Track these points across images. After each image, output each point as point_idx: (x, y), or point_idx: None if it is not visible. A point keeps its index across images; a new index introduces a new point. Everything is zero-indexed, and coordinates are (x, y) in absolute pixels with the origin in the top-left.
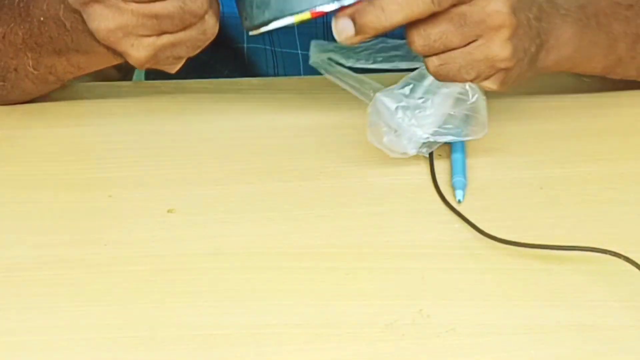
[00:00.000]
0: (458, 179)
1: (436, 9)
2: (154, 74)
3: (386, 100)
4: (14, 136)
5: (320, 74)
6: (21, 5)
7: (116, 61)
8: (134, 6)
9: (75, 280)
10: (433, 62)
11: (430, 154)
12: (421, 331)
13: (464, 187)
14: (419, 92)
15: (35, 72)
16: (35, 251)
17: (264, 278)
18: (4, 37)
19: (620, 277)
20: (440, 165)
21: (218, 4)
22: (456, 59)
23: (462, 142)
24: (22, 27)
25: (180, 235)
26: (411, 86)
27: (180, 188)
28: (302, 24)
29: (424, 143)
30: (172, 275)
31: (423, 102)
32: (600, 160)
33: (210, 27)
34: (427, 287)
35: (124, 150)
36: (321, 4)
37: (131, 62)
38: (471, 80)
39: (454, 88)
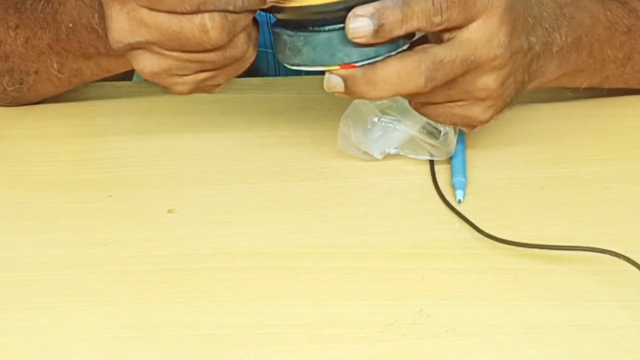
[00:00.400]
0: (458, 179)
1: (427, 91)
2: None
3: (362, 109)
4: (14, 136)
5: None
6: (47, 10)
7: None
8: (177, 53)
9: (75, 280)
10: (416, 102)
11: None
12: (421, 331)
13: (464, 187)
14: (394, 109)
15: (60, 75)
16: (36, 251)
17: (264, 278)
18: (26, 42)
19: (620, 277)
20: (441, 165)
21: (257, 32)
22: (437, 108)
23: (463, 142)
24: (48, 32)
25: (180, 235)
26: (387, 103)
27: (180, 188)
28: None
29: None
30: (172, 275)
31: (395, 120)
32: (600, 160)
33: (249, 59)
34: (427, 287)
35: (124, 150)
36: (350, 61)
37: (174, 93)
38: (446, 125)
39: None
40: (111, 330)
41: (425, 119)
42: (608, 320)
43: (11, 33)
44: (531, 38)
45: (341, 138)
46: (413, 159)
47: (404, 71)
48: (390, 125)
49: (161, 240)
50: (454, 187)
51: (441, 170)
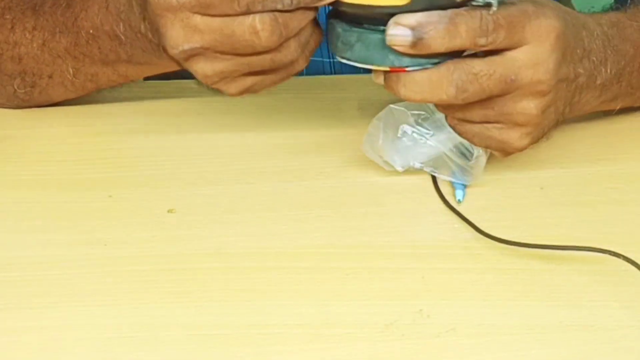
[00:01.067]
0: None
1: (458, 102)
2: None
3: (397, 115)
4: (14, 136)
5: (320, 73)
6: (67, 15)
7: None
8: (230, 57)
9: (75, 280)
10: (452, 117)
11: None
12: (421, 331)
13: (463, 187)
14: (429, 123)
15: (75, 80)
16: (35, 251)
17: (264, 278)
18: (43, 44)
19: (620, 277)
20: None
21: (315, 42)
22: (474, 127)
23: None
24: (66, 36)
25: (181, 235)
26: (424, 114)
27: (180, 188)
28: None
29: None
30: (172, 275)
31: (427, 134)
32: (600, 160)
33: (299, 67)
34: (427, 287)
35: (124, 150)
36: (400, 65)
37: (225, 95)
38: (480, 147)
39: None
40: (111, 330)
41: (459, 139)
42: (608, 320)
43: (27, 35)
44: (578, 69)
45: (367, 139)
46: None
47: (435, 76)
48: (422, 138)
49: (161, 240)
50: (454, 187)
51: None
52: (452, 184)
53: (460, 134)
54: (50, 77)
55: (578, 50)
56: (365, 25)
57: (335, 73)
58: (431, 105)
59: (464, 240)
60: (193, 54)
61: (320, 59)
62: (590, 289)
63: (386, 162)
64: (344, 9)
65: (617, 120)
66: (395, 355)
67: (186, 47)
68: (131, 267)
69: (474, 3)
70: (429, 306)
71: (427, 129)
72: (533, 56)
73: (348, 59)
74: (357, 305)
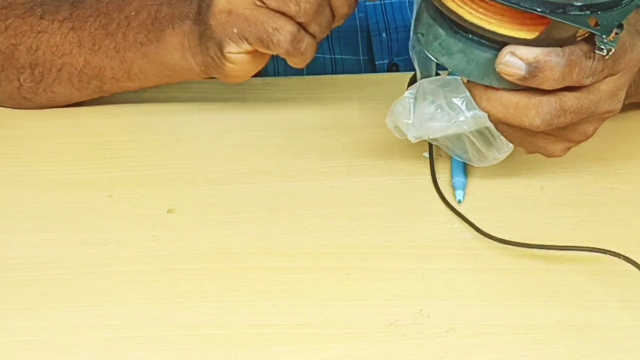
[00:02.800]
0: (458, 179)
1: (538, 132)
2: None
3: (428, 87)
4: (14, 136)
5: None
6: (114, 4)
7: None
8: None
9: (75, 280)
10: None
11: (431, 154)
12: (421, 331)
13: (464, 187)
14: (459, 101)
15: (82, 74)
16: (35, 251)
17: (264, 278)
18: (71, 30)
19: (620, 277)
20: (440, 165)
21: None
22: (519, 132)
23: None
24: (99, 20)
25: (180, 235)
26: (454, 92)
27: (180, 188)
28: None
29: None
30: (172, 275)
31: (456, 112)
32: (601, 160)
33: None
34: (427, 287)
35: (124, 150)
36: (499, 86)
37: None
38: (516, 145)
39: (488, 123)
40: (111, 330)
41: (486, 123)
42: (608, 320)
43: (56, 24)
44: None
45: (393, 108)
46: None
47: (523, 103)
48: (448, 114)
49: (161, 240)
50: (454, 187)
51: (441, 170)
52: (452, 184)
53: (501, 132)
54: (59, 70)
55: None
56: (471, 37)
57: (335, 69)
58: (462, 86)
59: (464, 240)
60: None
61: (322, 55)
62: (590, 289)
63: (401, 131)
64: (456, 20)
65: (618, 120)
66: (395, 355)
67: None
68: (131, 267)
69: (596, 52)
70: (429, 306)
71: (457, 106)
72: (614, 87)
73: (443, 64)
74: (357, 305)
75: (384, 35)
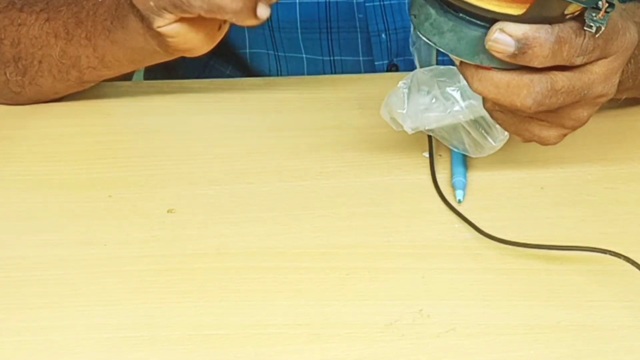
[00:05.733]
0: (458, 179)
1: (530, 112)
2: (153, 74)
3: (423, 77)
4: (14, 136)
5: (320, 73)
6: None
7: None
8: None
9: (75, 280)
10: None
11: (431, 154)
12: (421, 331)
13: (464, 187)
14: (457, 89)
15: (60, 64)
16: (35, 251)
17: (264, 278)
18: (46, 21)
19: (620, 277)
20: (441, 165)
21: None
22: (515, 118)
23: None
24: (71, 8)
25: (181, 235)
26: (449, 82)
27: (180, 188)
28: None
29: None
30: (172, 275)
31: (450, 102)
32: (601, 160)
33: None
34: (427, 287)
35: (124, 150)
36: (490, 65)
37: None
38: (512, 134)
39: (483, 112)
40: (111, 330)
41: (481, 112)
42: (608, 320)
43: (34, 16)
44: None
45: (388, 99)
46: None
47: (514, 83)
48: (443, 104)
49: (161, 240)
50: (454, 187)
51: (441, 170)
52: (452, 184)
53: (496, 120)
54: (40, 62)
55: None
56: (462, 15)
57: (334, 71)
58: (458, 75)
59: (464, 240)
60: None
61: (321, 57)
62: (590, 289)
63: (397, 122)
64: None
65: (618, 120)
66: (395, 355)
67: None
68: (131, 267)
69: (585, 28)
70: (429, 306)
71: (452, 97)
72: (607, 70)
73: (434, 44)
74: (357, 305)
75: (383, 36)
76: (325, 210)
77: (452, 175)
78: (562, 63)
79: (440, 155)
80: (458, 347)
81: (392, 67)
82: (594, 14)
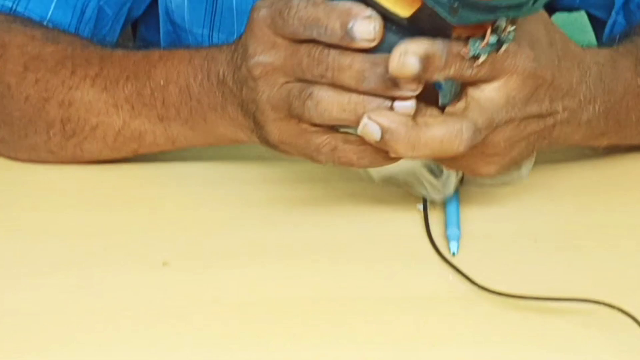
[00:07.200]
0: (452, 230)
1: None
2: None
3: None
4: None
5: None
6: (141, 64)
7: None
8: None
9: (70, 330)
10: None
11: (424, 205)
12: None
13: (458, 239)
14: None
15: (119, 135)
16: (29, 296)
17: (257, 328)
18: (104, 90)
19: (616, 328)
20: (433, 214)
21: None
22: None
23: (457, 193)
24: (133, 84)
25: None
26: None
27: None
28: None
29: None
30: (167, 322)
31: None
32: (592, 212)
33: None
34: (422, 338)
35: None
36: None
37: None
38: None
39: None
40: None
41: None
42: None
43: (88, 81)
44: (556, 105)
45: None
46: (404, 202)
47: (446, 137)
48: None
49: (155, 287)
50: (448, 239)
51: (434, 221)
52: (446, 235)
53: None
54: (94, 128)
55: (563, 86)
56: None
57: None
58: None
59: (459, 291)
60: None
61: None
62: (585, 340)
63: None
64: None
65: (609, 173)
66: None
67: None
68: (125, 312)
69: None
70: (424, 358)
71: None
72: (505, 94)
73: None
74: (350, 355)
75: None
76: (319, 262)
77: (445, 226)
78: (455, 77)
79: (433, 207)
80: None
81: None
82: (477, 43)
